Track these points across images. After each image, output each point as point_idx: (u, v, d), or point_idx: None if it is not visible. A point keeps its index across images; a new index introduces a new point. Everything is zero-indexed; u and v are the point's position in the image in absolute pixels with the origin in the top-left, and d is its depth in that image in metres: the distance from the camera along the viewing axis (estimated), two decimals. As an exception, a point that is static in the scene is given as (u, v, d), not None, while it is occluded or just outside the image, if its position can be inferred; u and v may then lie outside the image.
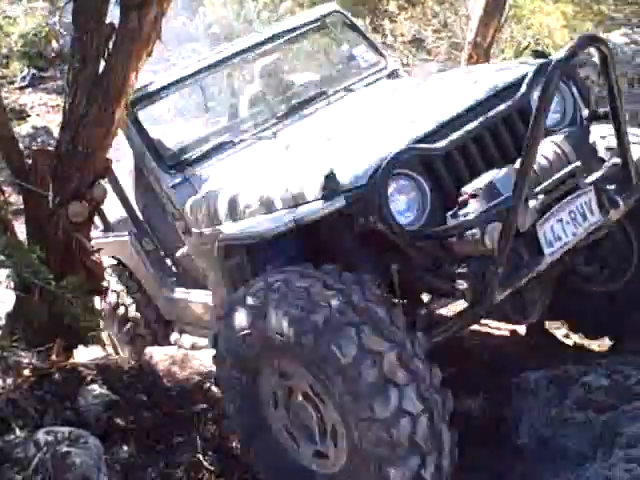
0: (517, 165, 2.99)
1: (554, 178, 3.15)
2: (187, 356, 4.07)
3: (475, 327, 4.48)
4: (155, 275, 4.68)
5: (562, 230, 3.16)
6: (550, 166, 3.19)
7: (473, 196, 3.07)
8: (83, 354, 4.28)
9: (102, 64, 3.63)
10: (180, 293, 4.52)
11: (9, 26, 11.57)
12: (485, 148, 3.25)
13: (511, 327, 4.62)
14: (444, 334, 3.13)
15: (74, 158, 3.80)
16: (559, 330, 4.61)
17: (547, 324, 4.48)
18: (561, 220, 3.15)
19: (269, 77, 4.88)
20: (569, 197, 3.17)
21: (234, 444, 3.48)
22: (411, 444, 2.70)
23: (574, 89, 3.55)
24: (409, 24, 9.92)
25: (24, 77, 11.66)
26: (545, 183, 3.13)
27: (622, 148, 3.25)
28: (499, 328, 4.72)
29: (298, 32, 4.87)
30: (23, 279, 3.75)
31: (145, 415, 3.53)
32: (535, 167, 3.07)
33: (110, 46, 3.58)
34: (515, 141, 3.29)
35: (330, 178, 3.03)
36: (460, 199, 3.10)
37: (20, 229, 4.20)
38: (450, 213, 3.08)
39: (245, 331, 3.03)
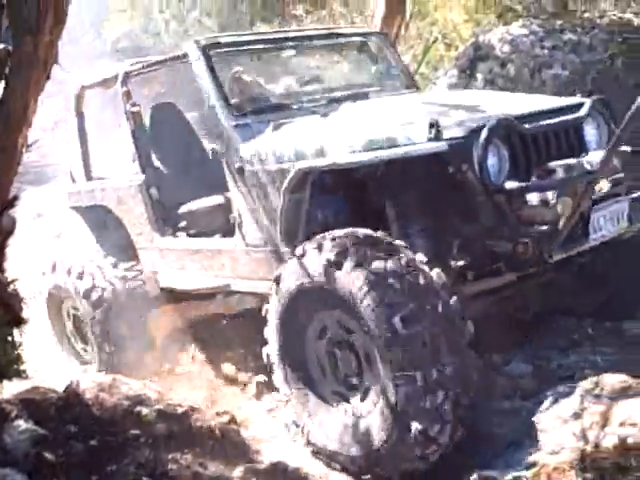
0: (597, 154, 3.72)
1: (608, 179, 3.83)
2: (115, 381, 3.99)
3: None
4: (157, 223, 5.21)
5: (604, 224, 3.76)
6: (605, 168, 3.63)
7: (552, 171, 3.68)
8: (8, 389, 4.17)
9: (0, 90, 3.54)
10: (183, 241, 5.14)
11: None
12: (550, 143, 3.82)
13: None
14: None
15: (-22, 190, 3.68)
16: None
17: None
18: (605, 216, 3.76)
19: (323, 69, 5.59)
20: (611, 200, 3.82)
21: (169, 466, 3.45)
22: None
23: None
24: (316, 26, 9.99)
25: None
26: (602, 182, 3.78)
27: None
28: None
29: (347, 39, 5.60)
30: None
31: (75, 446, 3.44)
32: (597, 163, 3.63)
33: (7, 71, 3.50)
34: (568, 147, 3.90)
35: (435, 125, 3.57)
36: (541, 170, 3.69)
37: None
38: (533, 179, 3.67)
39: (317, 277, 3.59)
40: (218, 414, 4.05)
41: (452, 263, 3.77)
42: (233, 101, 4.65)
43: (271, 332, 4.01)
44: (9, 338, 4.03)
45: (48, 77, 3.50)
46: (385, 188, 3.99)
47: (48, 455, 3.33)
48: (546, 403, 3.38)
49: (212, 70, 4.66)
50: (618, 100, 4.15)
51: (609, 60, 6.57)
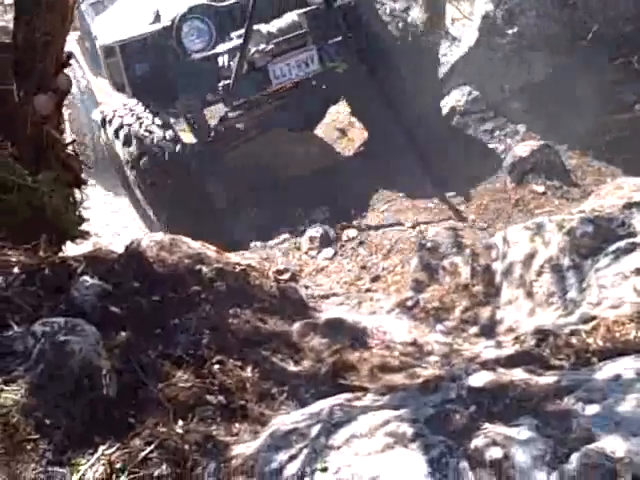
0: (257, 27, 5.09)
1: (285, 37, 5.12)
2: (175, 240, 4.06)
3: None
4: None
5: (288, 71, 5.14)
6: (287, 28, 5.13)
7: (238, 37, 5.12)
8: (72, 249, 4.28)
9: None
10: None
11: None
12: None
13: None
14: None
15: (33, 48, 3.65)
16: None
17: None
18: (289, 64, 5.14)
19: None
20: (297, 51, 5.16)
21: (230, 320, 3.54)
22: None
23: None
24: None
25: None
26: (279, 39, 5.10)
27: None
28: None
29: None
30: (-1, 178, 3.68)
31: (139, 301, 3.54)
32: (277, 28, 5.12)
33: None
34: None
35: (156, 14, 5.21)
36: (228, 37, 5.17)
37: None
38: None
39: None
40: (277, 272, 4.11)
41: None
42: None
43: None
44: (70, 199, 4.09)
45: None
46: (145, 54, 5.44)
47: (114, 308, 3.43)
48: (606, 260, 3.34)
49: None
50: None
51: None
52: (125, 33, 5.29)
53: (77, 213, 4.15)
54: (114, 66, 5.56)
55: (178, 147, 5.05)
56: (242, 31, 4.92)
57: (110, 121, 5.24)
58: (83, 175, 4.29)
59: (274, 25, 5.12)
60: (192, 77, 5.20)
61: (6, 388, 2.66)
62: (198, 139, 5.25)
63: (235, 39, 5.09)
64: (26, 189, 3.71)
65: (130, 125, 5.09)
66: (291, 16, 5.18)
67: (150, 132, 5.09)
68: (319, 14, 5.23)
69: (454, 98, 6.77)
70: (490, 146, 6.27)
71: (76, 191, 4.23)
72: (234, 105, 5.29)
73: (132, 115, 5.13)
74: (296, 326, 3.57)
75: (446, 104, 6.78)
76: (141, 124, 5.11)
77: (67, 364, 2.75)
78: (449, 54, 8.32)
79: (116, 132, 5.18)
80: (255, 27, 4.98)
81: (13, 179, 3.67)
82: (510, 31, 6.56)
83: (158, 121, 5.12)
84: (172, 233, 4.94)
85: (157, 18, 5.14)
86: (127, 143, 5.07)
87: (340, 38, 5.36)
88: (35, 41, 3.63)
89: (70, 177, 4.07)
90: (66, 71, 3.84)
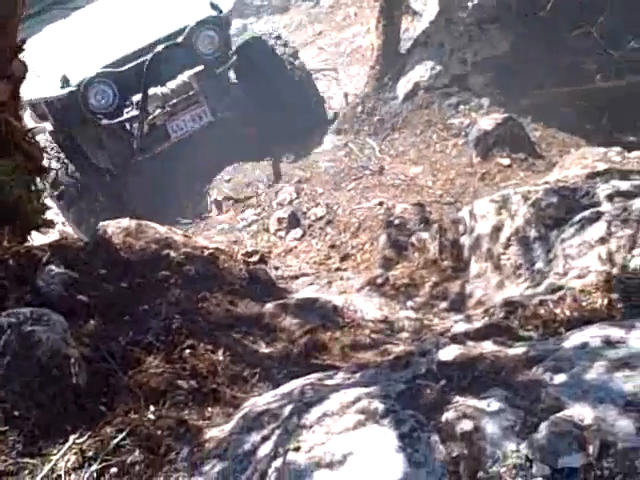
0: (154, 91, 5.86)
1: (179, 99, 5.87)
2: (141, 226, 4.02)
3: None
4: None
5: (184, 125, 6.03)
6: (179, 89, 5.88)
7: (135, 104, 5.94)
8: (39, 239, 4.22)
9: None
10: None
11: None
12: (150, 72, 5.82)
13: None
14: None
15: (-17, 33, 3.57)
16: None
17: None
18: (184, 120, 6.01)
19: None
20: (191, 107, 5.98)
21: (200, 304, 3.52)
22: None
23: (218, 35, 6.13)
24: None
25: None
26: (173, 101, 5.86)
27: None
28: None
29: None
30: (-42, 169, 3.60)
31: (107, 288, 3.51)
32: (170, 89, 5.86)
33: None
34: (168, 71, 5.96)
35: (64, 79, 5.77)
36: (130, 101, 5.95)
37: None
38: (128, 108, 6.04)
39: None
40: (246, 254, 4.09)
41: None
42: None
43: None
44: (32, 187, 4.02)
45: None
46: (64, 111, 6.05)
47: (81, 297, 3.40)
48: (571, 230, 3.37)
49: None
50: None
51: None
52: (40, 91, 5.88)
53: (40, 201, 4.08)
54: (36, 104, 6.22)
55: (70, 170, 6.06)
56: (139, 96, 5.82)
57: None
58: (44, 163, 4.23)
59: (168, 87, 5.89)
60: (99, 142, 6.18)
61: (-27, 381, 2.63)
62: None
63: (134, 105, 5.90)
64: (-14, 179, 3.64)
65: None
66: (182, 77, 5.95)
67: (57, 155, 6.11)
68: (206, 73, 6.04)
69: (418, 74, 6.75)
70: (455, 120, 6.28)
71: (37, 179, 4.15)
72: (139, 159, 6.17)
73: (48, 140, 6.11)
74: (267, 307, 3.56)
75: (409, 80, 6.76)
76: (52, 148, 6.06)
77: (34, 354, 2.73)
78: (411, 30, 8.31)
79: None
80: (151, 91, 5.87)
81: (-28, 169, 3.60)
82: (470, 4, 6.56)
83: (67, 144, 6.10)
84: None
85: (66, 82, 5.77)
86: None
87: (227, 90, 6.34)
88: (-13, 27, 3.55)
89: (31, 165, 3.99)
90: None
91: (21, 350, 2.70)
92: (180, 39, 5.91)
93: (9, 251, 3.61)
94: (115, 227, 3.99)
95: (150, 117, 5.90)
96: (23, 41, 3.77)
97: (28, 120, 6.85)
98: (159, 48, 5.80)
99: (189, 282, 3.71)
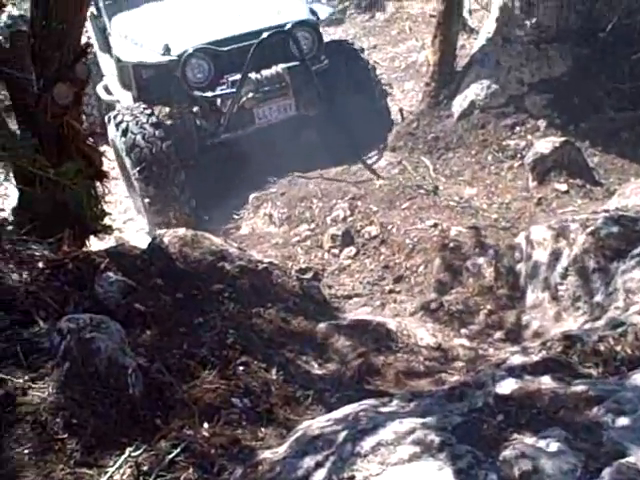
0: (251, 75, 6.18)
1: (271, 88, 6.22)
2: (197, 237, 4.05)
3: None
4: None
5: (270, 114, 6.38)
6: (272, 78, 6.22)
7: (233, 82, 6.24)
8: (97, 245, 4.28)
9: None
10: None
11: None
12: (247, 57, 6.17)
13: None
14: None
15: (50, 36, 3.64)
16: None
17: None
18: (271, 108, 6.35)
19: None
20: (280, 98, 6.32)
21: (253, 320, 3.53)
22: None
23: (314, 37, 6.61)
24: None
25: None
26: (265, 88, 6.20)
27: None
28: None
29: None
30: (21, 170, 3.67)
31: (163, 299, 3.54)
32: (264, 77, 6.18)
33: None
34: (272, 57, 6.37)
35: (166, 47, 6.17)
36: (224, 80, 6.27)
37: (12, 122, 4.10)
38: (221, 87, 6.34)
39: None
40: (299, 270, 4.09)
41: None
42: None
43: None
44: (92, 192, 4.08)
45: None
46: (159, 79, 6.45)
47: (138, 305, 3.43)
48: (632, 262, 3.30)
49: None
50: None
51: None
52: (138, 56, 6.37)
53: (99, 207, 4.14)
54: (125, 70, 6.62)
55: (164, 145, 5.96)
56: (237, 76, 6.15)
57: (115, 117, 6.16)
58: (104, 168, 4.29)
59: (262, 74, 6.21)
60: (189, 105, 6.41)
61: (33, 386, 2.67)
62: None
63: (229, 84, 6.24)
64: (49, 182, 3.70)
65: (128, 121, 6.00)
66: (276, 68, 6.26)
67: (143, 129, 5.96)
68: (298, 69, 6.36)
69: (473, 92, 6.68)
70: (511, 142, 6.20)
71: (97, 184, 4.21)
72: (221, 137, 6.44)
73: (131, 114, 6.07)
74: (320, 326, 3.56)
75: (465, 98, 6.70)
76: (137, 122, 6.00)
77: (93, 362, 2.76)
78: (467, 46, 8.25)
79: (117, 125, 6.07)
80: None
81: (34, 172, 3.66)
82: (528, 22, 6.47)
83: (152, 120, 6.04)
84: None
85: (167, 51, 6.09)
86: (124, 135, 5.97)
87: (313, 89, 6.49)
88: (52, 30, 3.61)
89: (91, 170, 4.05)
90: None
91: (80, 357, 2.73)
92: (283, 32, 6.30)
93: (69, 255, 3.67)
94: (172, 236, 4.04)
95: (244, 99, 6.19)
96: (87, 45, 3.83)
97: (100, 91, 7.44)
98: (264, 35, 6.15)
99: (243, 296, 3.72)
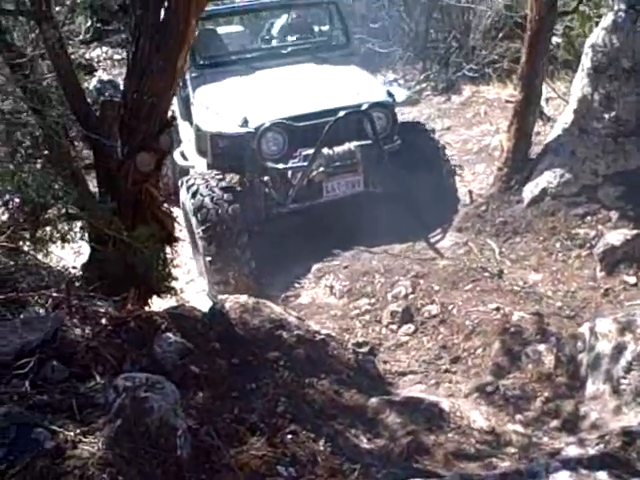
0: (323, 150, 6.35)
1: (342, 164, 6.43)
2: (258, 304, 4.11)
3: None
4: None
5: (338, 188, 6.56)
6: (343, 155, 6.44)
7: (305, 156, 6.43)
8: (158, 304, 4.37)
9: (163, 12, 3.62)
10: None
11: (72, -19, 11.56)
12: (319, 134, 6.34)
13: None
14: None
15: (140, 108, 3.82)
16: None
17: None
18: (339, 183, 6.54)
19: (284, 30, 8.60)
20: (349, 174, 6.53)
21: (306, 390, 3.53)
22: None
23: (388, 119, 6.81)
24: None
25: (88, 30, 11.74)
26: (336, 163, 6.40)
27: None
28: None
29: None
30: (96, 230, 3.82)
31: (219, 363, 3.58)
32: (336, 153, 6.40)
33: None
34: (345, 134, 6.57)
35: (244, 120, 6.44)
36: (298, 154, 6.45)
37: (92, 183, 4.27)
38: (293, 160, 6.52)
39: None
40: (356, 344, 4.09)
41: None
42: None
43: None
44: (161, 255, 4.20)
45: (210, -1, 3.54)
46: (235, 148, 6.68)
47: (193, 368, 3.47)
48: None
49: None
50: None
51: None
52: (217, 126, 6.69)
53: (166, 269, 4.24)
54: (202, 138, 6.91)
55: (230, 208, 6.10)
56: (310, 151, 6.34)
57: (187, 181, 6.44)
58: (175, 232, 4.41)
59: (334, 150, 6.41)
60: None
61: (84, 440, 2.70)
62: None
63: (302, 157, 6.43)
64: (121, 243, 3.83)
65: (199, 184, 6.25)
66: (349, 145, 6.47)
67: (212, 191, 6.17)
68: (370, 148, 6.54)
69: (546, 179, 6.66)
70: (580, 231, 6.13)
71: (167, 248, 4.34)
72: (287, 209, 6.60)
73: (203, 178, 6.35)
74: (372, 401, 3.53)
75: (537, 185, 6.69)
76: (207, 185, 6.22)
77: (145, 421, 2.79)
78: (542, 134, 8.27)
79: (188, 188, 6.32)
80: None
81: (109, 233, 3.79)
82: (607, 115, 6.47)
83: (222, 184, 6.27)
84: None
85: (245, 123, 6.36)
86: (193, 196, 6.21)
87: (384, 168, 6.67)
88: (142, 102, 3.80)
89: (164, 234, 4.18)
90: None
91: (133, 415, 2.77)
92: (359, 112, 6.51)
93: (132, 314, 3.76)
94: (233, 302, 4.10)
95: (314, 173, 6.38)
96: (173, 117, 4.00)
97: (177, 157, 7.81)
98: (341, 114, 6.33)
99: (298, 365, 3.73)
